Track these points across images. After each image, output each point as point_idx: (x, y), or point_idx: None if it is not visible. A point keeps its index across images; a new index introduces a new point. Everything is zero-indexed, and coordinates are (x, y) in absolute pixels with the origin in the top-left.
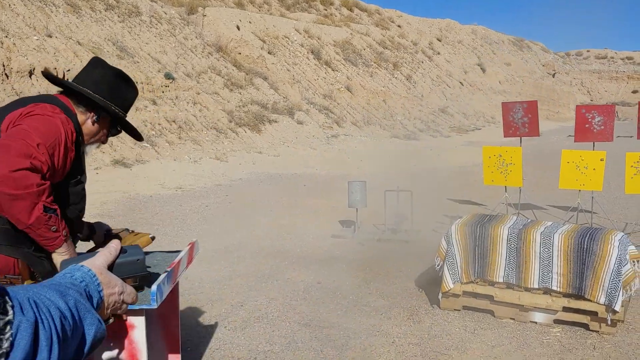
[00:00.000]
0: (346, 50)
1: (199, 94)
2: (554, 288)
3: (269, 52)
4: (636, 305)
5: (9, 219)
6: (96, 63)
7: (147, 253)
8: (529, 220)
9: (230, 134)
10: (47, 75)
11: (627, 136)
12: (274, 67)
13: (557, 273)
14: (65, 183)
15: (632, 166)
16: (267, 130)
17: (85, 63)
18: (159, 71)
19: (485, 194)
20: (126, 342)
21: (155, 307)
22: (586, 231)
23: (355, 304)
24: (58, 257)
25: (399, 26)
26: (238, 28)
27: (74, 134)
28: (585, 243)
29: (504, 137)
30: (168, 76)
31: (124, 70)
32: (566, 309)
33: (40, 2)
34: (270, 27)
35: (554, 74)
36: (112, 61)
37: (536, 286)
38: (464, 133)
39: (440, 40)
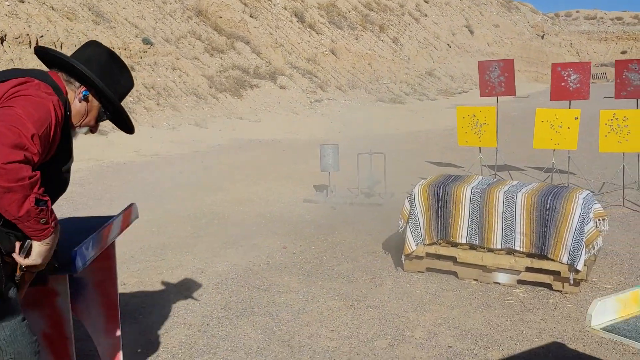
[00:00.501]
0: (331, 12)
1: (178, 59)
2: (517, 248)
3: (250, 16)
4: (602, 264)
5: None
6: (90, 43)
7: (83, 218)
8: (494, 180)
9: (210, 99)
10: (40, 51)
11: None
12: (256, 31)
13: (520, 233)
14: (54, 168)
15: (605, 124)
16: (248, 96)
17: (59, 29)
18: (136, 36)
19: (466, 156)
20: (49, 310)
21: (76, 272)
22: (551, 190)
23: (318, 268)
24: (41, 246)
25: None
26: None
27: (63, 118)
28: (549, 202)
29: (480, 96)
30: (146, 41)
31: (100, 35)
32: (529, 269)
33: None
34: None
35: (543, 35)
36: (88, 26)
37: (499, 247)
38: (450, 96)
39: (427, 2)
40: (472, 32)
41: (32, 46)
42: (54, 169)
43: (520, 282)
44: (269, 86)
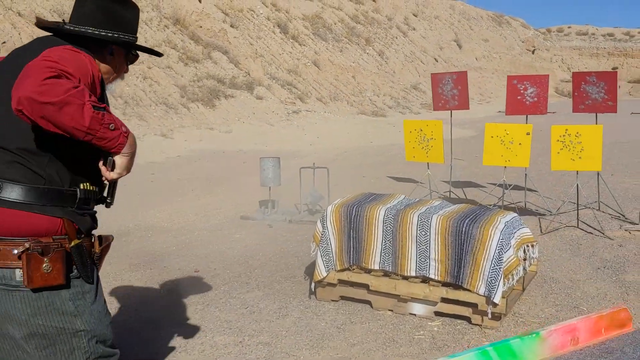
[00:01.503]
0: (316, 24)
1: (150, 68)
2: (432, 276)
3: (231, 26)
4: (536, 294)
5: (65, 133)
6: None
7: None
8: (415, 200)
9: (181, 109)
10: (41, 23)
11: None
12: (236, 41)
13: (434, 259)
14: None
15: (558, 140)
16: (221, 106)
17: (23, 35)
18: None
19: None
20: None
21: None
22: (471, 212)
23: (223, 296)
24: (122, 158)
25: (373, 0)
26: (199, 0)
27: (100, 73)
28: (465, 226)
29: (434, 110)
30: None
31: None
32: (445, 300)
33: None
34: None
35: (534, 50)
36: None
37: (413, 274)
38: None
39: (416, 16)
40: (460, 47)
41: None
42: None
43: (438, 313)
44: (245, 96)
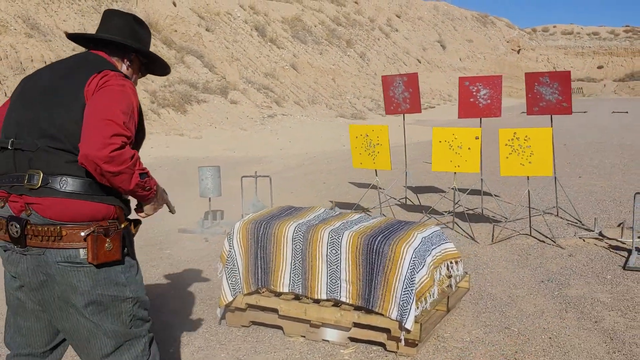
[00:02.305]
0: (295, 27)
1: None
2: (343, 299)
3: (206, 29)
4: (468, 312)
5: (111, 186)
6: (112, 14)
7: None
8: (335, 213)
9: (150, 115)
10: (73, 36)
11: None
12: (212, 45)
13: (345, 281)
14: (137, 143)
15: (506, 144)
16: (193, 111)
17: None
18: (73, 50)
19: (393, 175)
20: None
21: None
22: (386, 228)
23: None
24: (148, 205)
25: (355, 2)
26: (174, 4)
27: (139, 102)
28: (376, 244)
29: (386, 114)
30: None
31: (32, 49)
32: (357, 325)
33: None
34: (212, 2)
35: (519, 50)
36: (19, 39)
37: (324, 297)
38: None
39: (399, 17)
40: (444, 47)
41: None
42: (137, 143)
43: (353, 339)
44: (219, 101)
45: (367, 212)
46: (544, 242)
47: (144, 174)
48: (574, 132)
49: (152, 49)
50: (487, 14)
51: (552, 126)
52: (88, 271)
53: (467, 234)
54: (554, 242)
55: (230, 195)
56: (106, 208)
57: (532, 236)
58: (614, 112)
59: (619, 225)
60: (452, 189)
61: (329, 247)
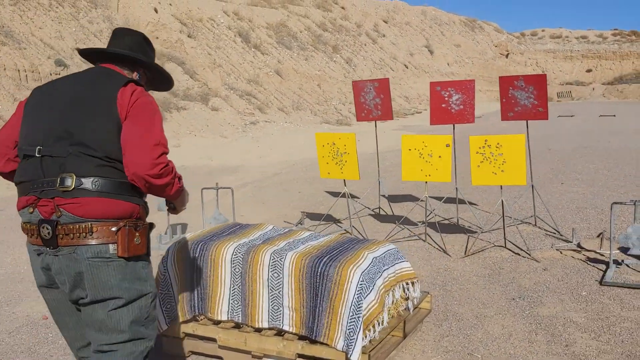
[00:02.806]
0: (280, 33)
1: None
2: (286, 328)
3: (189, 36)
4: (430, 335)
5: (154, 194)
6: (124, 32)
7: None
8: (282, 231)
9: None
10: (86, 51)
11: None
12: (194, 52)
13: (288, 307)
14: None
15: (477, 152)
16: (173, 119)
17: None
18: (48, 58)
19: (374, 184)
20: None
21: None
22: (335, 248)
23: (66, 350)
24: (178, 201)
25: (342, 8)
26: (156, 11)
27: None
28: (321, 266)
29: (357, 120)
30: (59, 63)
31: (5, 57)
32: (301, 357)
33: None
34: (195, 9)
35: (507, 54)
36: None
37: (266, 325)
38: (402, 117)
39: (386, 22)
40: (432, 52)
41: None
42: None
43: None
44: (199, 108)
45: (338, 224)
46: (518, 254)
47: (180, 178)
48: (560, 137)
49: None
50: (476, 18)
51: (527, 132)
52: (117, 265)
53: (439, 246)
54: (529, 254)
55: (199, 207)
56: (132, 207)
57: (507, 248)
58: (601, 115)
59: (598, 236)
60: (424, 199)
61: (270, 270)
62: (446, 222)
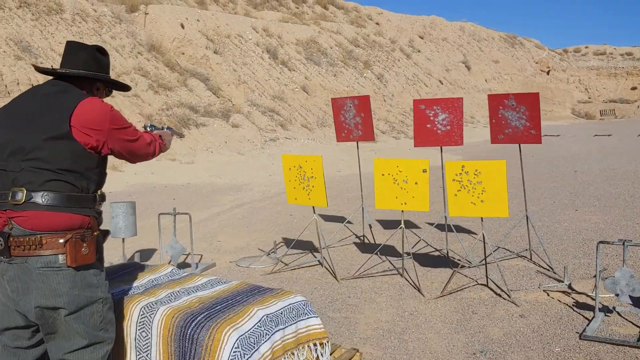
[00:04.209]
0: (309, 49)
1: (113, 96)
2: None
3: (215, 52)
4: None
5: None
6: (77, 47)
7: None
8: (178, 276)
9: None
10: (41, 69)
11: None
12: (219, 68)
13: None
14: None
15: (453, 180)
16: (191, 135)
17: None
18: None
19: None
20: None
21: None
22: (223, 300)
23: None
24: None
25: (377, 23)
26: (182, 26)
27: None
28: (192, 327)
29: (337, 141)
30: None
31: (19, 72)
32: None
33: None
34: (223, 25)
35: (549, 71)
36: (9, 61)
37: None
38: None
39: (422, 38)
40: (469, 68)
41: None
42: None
43: None
44: (219, 125)
45: (314, 253)
46: (500, 295)
47: (159, 137)
48: (590, 157)
49: (154, 71)
50: (516, 34)
51: (520, 156)
52: (66, 274)
53: (414, 283)
54: (509, 296)
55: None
56: (81, 218)
57: (489, 287)
58: (639, 135)
59: (595, 276)
60: (401, 228)
61: (138, 328)
62: (436, 253)
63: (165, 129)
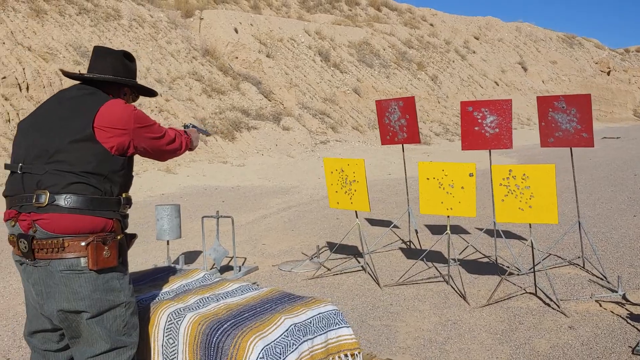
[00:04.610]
0: (362, 51)
1: (168, 100)
2: None
3: (267, 56)
4: None
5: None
6: (105, 52)
7: None
8: (209, 282)
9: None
10: (69, 74)
11: None
12: (271, 71)
13: None
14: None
15: (500, 184)
16: (242, 138)
17: (28, 70)
18: None
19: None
20: None
21: None
22: (251, 308)
23: None
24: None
25: (431, 25)
26: (236, 31)
27: None
28: (217, 335)
29: (382, 144)
30: None
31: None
32: None
33: None
34: (276, 29)
35: (609, 71)
36: (68, 67)
37: None
38: None
39: (477, 39)
40: (525, 69)
41: None
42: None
43: None
44: (270, 127)
45: (358, 258)
46: (548, 305)
47: (187, 140)
48: None
49: (208, 76)
50: (575, 34)
51: (572, 161)
52: (88, 277)
53: (460, 291)
54: (558, 306)
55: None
56: (104, 221)
57: (538, 297)
58: None
59: None
60: (446, 235)
61: (165, 334)
62: (484, 260)
63: (190, 127)
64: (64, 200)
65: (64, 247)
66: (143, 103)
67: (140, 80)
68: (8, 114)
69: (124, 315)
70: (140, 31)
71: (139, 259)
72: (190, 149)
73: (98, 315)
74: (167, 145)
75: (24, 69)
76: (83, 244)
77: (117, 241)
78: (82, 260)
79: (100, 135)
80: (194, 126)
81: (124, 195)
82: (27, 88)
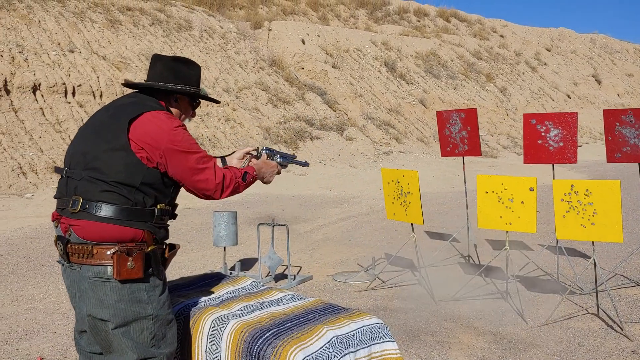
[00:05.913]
0: (429, 62)
1: (235, 110)
2: None
3: (333, 66)
4: None
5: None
6: (156, 58)
7: None
8: (256, 289)
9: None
10: (128, 84)
11: None
12: (336, 82)
13: None
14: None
15: (562, 200)
16: (306, 148)
17: (102, 78)
18: None
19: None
20: None
21: None
22: (294, 318)
23: None
24: (263, 182)
25: (501, 36)
26: (303, 42)
27: None
28: (258, 343)
29: (442, 155)
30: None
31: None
32: None
33: (75, 17)
34: (342, 40)
35: None
36: (137, 75)
37: None
38: None
39: (549, 50)
40: (599, 82)
41: (66, 95)
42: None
43: None
44: (333, 137)
45: (413, 272)
46: (611, 327)
47: (244, 174)
48: None
49: (274, 86)
50: None
51: None
52: (113, 286)
53: (518, 309)
54: (622, 329)
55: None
56: (133, 232)
57: (600, 317)
58: None
59: None
60: (505, 251)
61: (209, 340)
62: (546, 277)
63: (279, 158)
64: (94, 207)
65: (93, 254)
66: (211, 112)
67: (208, 90)
68: (82, 120)
69: (152, 327)
70: (210, 42)
71: (197, 264)
72: (266, 182)
73: (123, 326)
74: (202, 185)
75: (98, 77)
76: (109, 252)
77: (143, 252)
78: (109, 268)
79: (134, 146)
80: (282, 156)
81: (159, 206)
82: (101, 95)
